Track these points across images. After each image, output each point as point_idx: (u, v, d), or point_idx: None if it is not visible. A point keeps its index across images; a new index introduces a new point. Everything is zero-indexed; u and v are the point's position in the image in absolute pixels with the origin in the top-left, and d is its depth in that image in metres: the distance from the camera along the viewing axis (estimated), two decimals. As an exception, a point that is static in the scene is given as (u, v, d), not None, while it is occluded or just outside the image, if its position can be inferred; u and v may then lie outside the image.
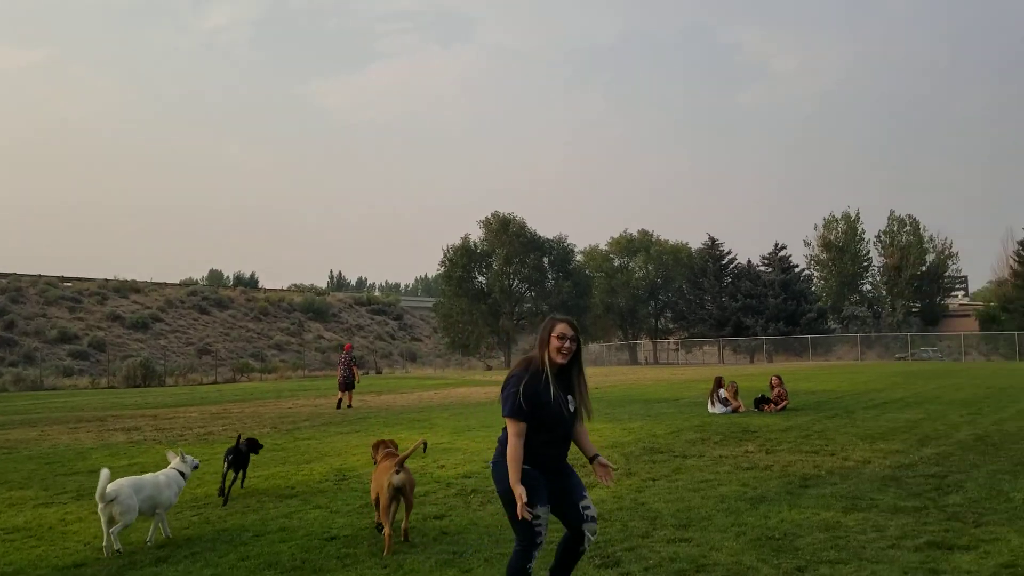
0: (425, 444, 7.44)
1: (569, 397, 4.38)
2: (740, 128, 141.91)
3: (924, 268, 70.07)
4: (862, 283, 74.02)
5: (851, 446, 11.04)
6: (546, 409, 4.27)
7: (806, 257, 75.55)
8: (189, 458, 7.53)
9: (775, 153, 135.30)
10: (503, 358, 71.35)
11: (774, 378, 17.60)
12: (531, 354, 4.45)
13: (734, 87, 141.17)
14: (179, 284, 79.09)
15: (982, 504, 7.28)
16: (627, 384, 29.87)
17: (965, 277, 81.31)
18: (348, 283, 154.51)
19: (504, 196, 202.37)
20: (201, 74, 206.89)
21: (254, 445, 9.01)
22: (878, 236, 72.30)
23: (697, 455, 10.62)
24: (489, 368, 66.01)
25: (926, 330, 66.02)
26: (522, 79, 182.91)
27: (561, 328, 4.34)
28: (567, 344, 4.31)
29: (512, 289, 71.04)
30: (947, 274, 72.75)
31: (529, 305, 72.40)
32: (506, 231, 69.40)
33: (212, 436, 14.96)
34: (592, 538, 4.49)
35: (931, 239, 71.29)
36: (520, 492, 4.11)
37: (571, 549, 4.56)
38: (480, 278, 71.51)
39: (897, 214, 71.90)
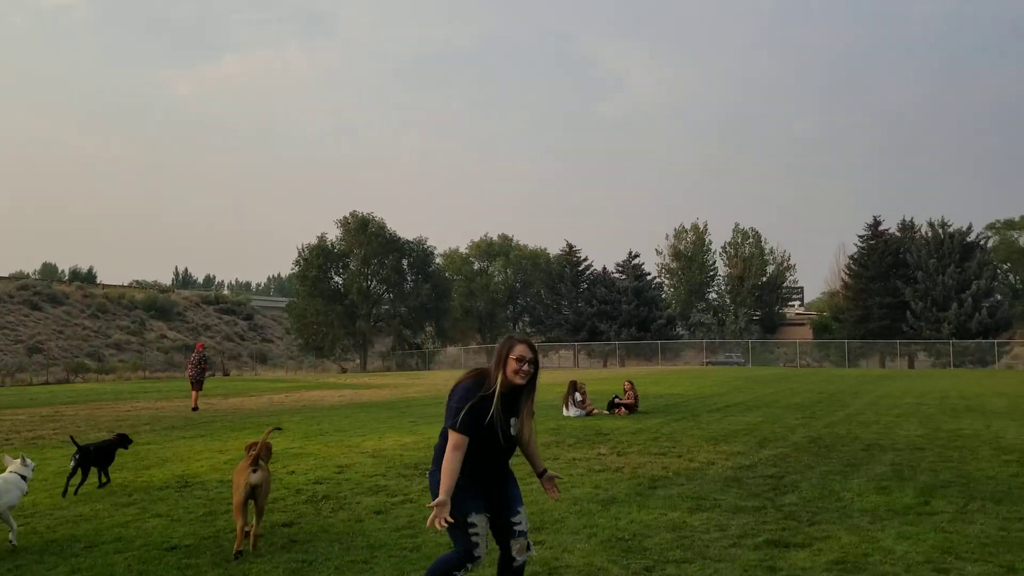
0: (277, 428, 7.25)
1: (513, 420, 4.24)
2: (598, 137, 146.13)
3: (765, 278, 74.13)
4: (708, 291, 77.56)
5: (697, 448, 11.47)
6: (489, 429, 4.15)
7: (657, 265, 78.55)
8: (30, 461, 7.11)
9: (631, 163, 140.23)
10: (359, 360, 70.27)
11: (627, 382, 18.11)
12: (484, 368, 4.29)
13: (593, 96, 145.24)
14: (8, 278, 73.59)
15: (815, 503, 7.69)
16: (483, 387, 29.94)
17: (801, 288, 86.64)
18: (195, 281, 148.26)
19: (363, 196, 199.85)
20: (38, 55, 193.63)
21: (124, 440, 9.21)
22: (724, 247, 76.00)
23: (551, 458, 10.74)
24: (344, 371, 64.85)
25: (766, 337, 69.83)
26: (382, 78, 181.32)
27: (520, 350, 4.18)
28: (525, 367, 4.16)
29: (370, 290, 70.12)
30: (785, 285, 77.30)
31: (387, 307, 71.68)
32: (364, 231, 68.44)
33: (42, 440, 13.94)
34: (520, 558, 4.30)
35: (771, 251, 75.56)
36: (442, 502, 3.98)
37: (506, 566, 4.39)
38: (337, 278, 70.21)
39: (741, 226, 75.83)
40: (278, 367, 69.65)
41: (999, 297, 64.81)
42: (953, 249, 62.62)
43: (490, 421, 4.13)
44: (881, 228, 67.23)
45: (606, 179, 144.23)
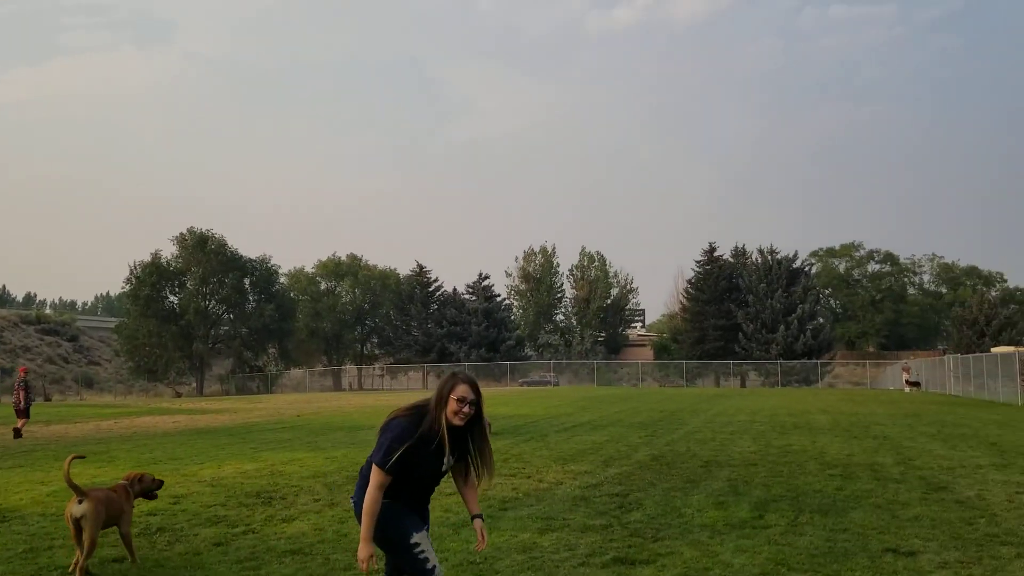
0: (79, 456, 6.86)
1: (447, 458, 4.03)
2: (449, 158, 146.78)
3: (609, 301, 76.54)
4: (556, 313, 79.26)
5: (546, 468, 11.58)
6: (423, 469, 3.98)
7: (507, 287, 79.70)
8: None
9: (482, 185, 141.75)
10: (195, 384, 67.15)
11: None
12: (423, 403, 4.07)
13: (444, 118, 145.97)
14: None
15: (659, 520, 7.90)
16: (330, 411, 29.29)
17: (643, 310, 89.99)
18: (14, 299, 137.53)
19: (203, 212, 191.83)
20: None
21: None
22: (571, 270, 77.96)
23: (400, 482, 10.54)
24: (179, 395, 61.77)
25: (610, 358, 71.96)
26: (224, 90, 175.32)
27: (462, 390, 3.98)
28: (466, 408, 3.96)
29: (208, 311, 67.31)
30: (628, 307, 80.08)
31: (227, 328, 69.02)
32: (203, 249, 65.74)
33: None
34: None
35: (616, 274, 78.21)
36: (368, 553, 3.82)
37: None
38: (172, 298, 67.03)
39: (587, 250, 78.14)
40: (106, 391, 65.56)
41: (821, 320, 69.68)
42: (781, 275, 66.85)
43: (429, 463, 3.96)
44: (716, 254, 70.95)
45: (457, 201, 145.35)
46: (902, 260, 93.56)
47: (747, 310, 66.35)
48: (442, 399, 3.96)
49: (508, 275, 79.77)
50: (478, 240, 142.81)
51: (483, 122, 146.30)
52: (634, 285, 79.65)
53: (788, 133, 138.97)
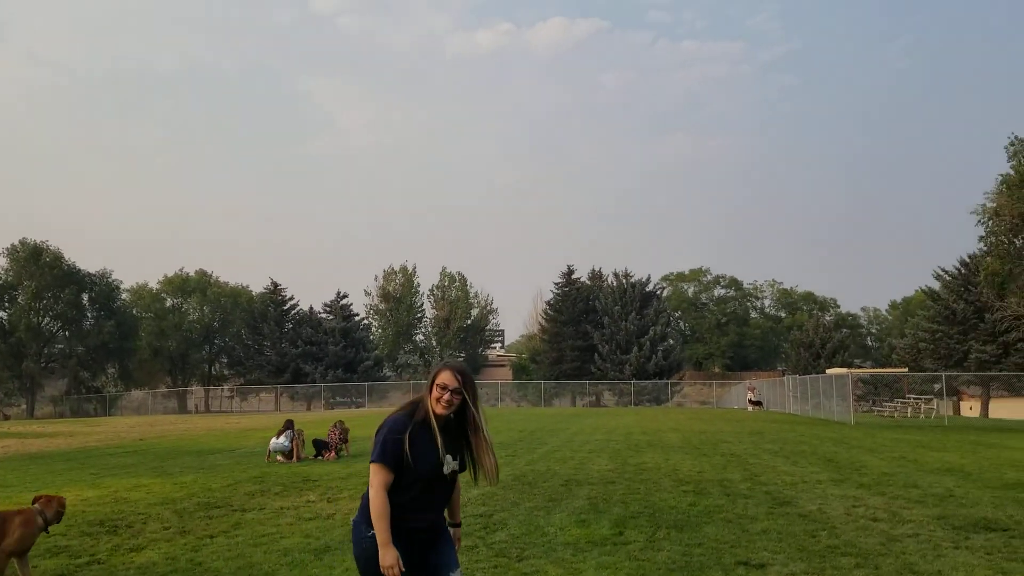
0: None
1: (449, 457, 3.77)
2: (308, 174, 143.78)
3: (469, 321, 76.83)
4: (416, 333, 78.80)
5: (408, 490, 11.43)
6: (423, 462, 3.69)
7: (366, 306, 78.55)
8: None
9: (341, 202, 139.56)
10: (25, 406, 62.53)
11: (339, 424, 17.77)
12: (419, 396, 3.88)
13: (302, 133, 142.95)
14: None
15: (523, 539, 7.95)
16: (177, 434, 27.90)
17: (503, 331, 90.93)
18: None
19: (38, 223, 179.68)
20: None
21: None
22: (431, 290, 77.81)
23: (257, 508, 10.17)
24: (7, 417, 57.29)
25: (467, 378, 72.08)
26: (65, 95, 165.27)
27: (444, 376, 3.77)
28: (447, 396, 3.72)
29: (41, 327, 63.02)
30: (488, 327, 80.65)
31: (61, 346, 64.81)
32: (37, 262, 61.58)
33: None
34: None
35: (476, 295, 78.63)
36: (393, 558, 3.54)
37: None
38: (1, 313, 62.29)
39: (448, 270, 78.23)
40: (-79, 415, 59.93)
41: (672, 342, 72.36)
42: (634, 297, 69.11)
43: (429, 456, 3.69)
44: (574, 276, 72.60)
45: (315, 217, 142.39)
46: (745, 285, 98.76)
47: (603, 331, 68.18)
48: (428, 387, 3.80)
49: (367, 294, 78.83)
50: (337, 258, 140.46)
51: (344, 137, 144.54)
52: (494, 306, 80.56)
53: (642, 160, 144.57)
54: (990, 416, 47.87)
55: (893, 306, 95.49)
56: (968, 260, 54.06)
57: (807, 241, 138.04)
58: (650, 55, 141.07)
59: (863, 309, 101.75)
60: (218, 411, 67.67)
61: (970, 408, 53.77)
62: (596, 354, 67.61)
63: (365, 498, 3.72)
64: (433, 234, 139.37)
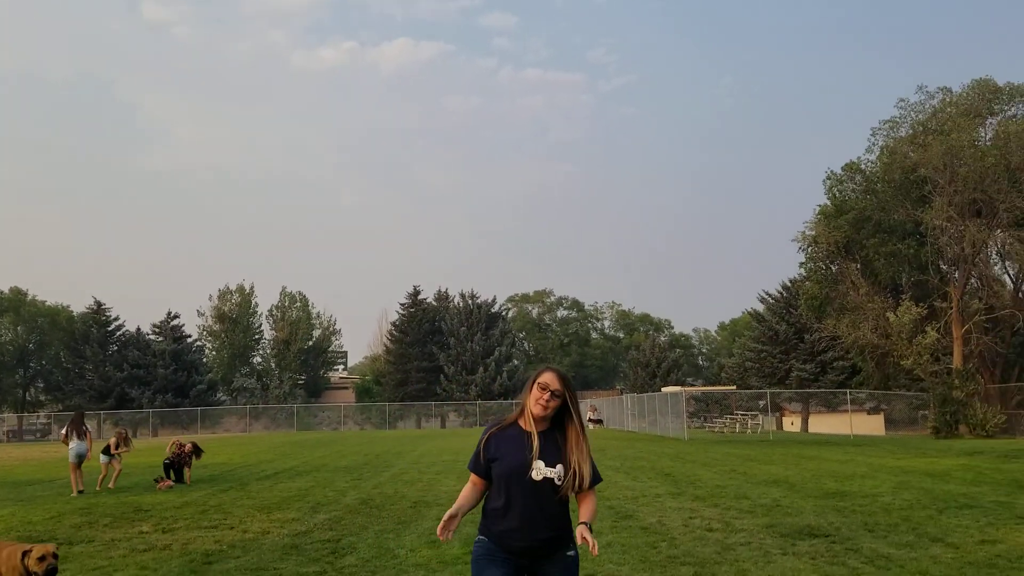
0: None
1: (541, 463, 3.51)
2: (139, 189, 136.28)
3: (311, 342, 74.92)
4: (253, 355, 75.99)
5: (249, 518, 11.03)
6: (506, 463, 3.52)
7: (199, 327, 74.95)
8: None
9: (176, 219, 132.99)
10: None
11: (179, 443, 17.02)
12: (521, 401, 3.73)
13: (133, 146, 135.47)
14: None
15: (373, 563, 7.84)
16: (-13, 465, 25.67)
17: (346, 352, 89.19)
18: None
19: None
20: None
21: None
22: (270, 310, 75.31)
23: (86, 541, 9.51)
24: None
25: (310, 401, 70.27)
26: None
27: (546, 377, 3.60)
28: (547, 396, 3.55)
29: None
30: (330, 349, 78.91)
31: None
32: None
33: None
34: None
35: (318, 315, 76.80)
36: (450, 514, 3.55)
37: None
38: None
39: (289, 290, 76.03)
40: None
41: (516, 362, 73.38)
42: (481, 318, 69.71)
43: (515, 457, 3.51)
44: (420, 297, 72.40)
45: (145, 234, 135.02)
46: (587, 307, 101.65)
47: (449, 352, 68.29)
48: (528, 388, 3.66)
49: (201, 315, 75.27)
50: (169, 277, 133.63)
51: (179, 151, 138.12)
52: (337, 327, 78.96)
53: (488, 183, 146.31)
54: (810, 430, 51.33)
55: (722, 327, 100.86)
56: (790, 284, 57.94)
57: (645, 265, 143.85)
58: (495, 81, 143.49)
59: (695, 330, 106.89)
60: (32, 440, 62.68)
61: (792, 423, 57.48)
62: (442, 375, 67.61)
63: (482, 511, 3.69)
64: (273, 253, 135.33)
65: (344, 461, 21.82)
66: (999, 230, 36.38)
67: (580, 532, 3.47)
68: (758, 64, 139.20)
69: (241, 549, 8.72)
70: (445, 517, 3.54)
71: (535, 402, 3.56)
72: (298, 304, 75.68)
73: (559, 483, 3.48)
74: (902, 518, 10.07)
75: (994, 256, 39.43)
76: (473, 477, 3.65)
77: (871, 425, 46.90)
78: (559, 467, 3.49)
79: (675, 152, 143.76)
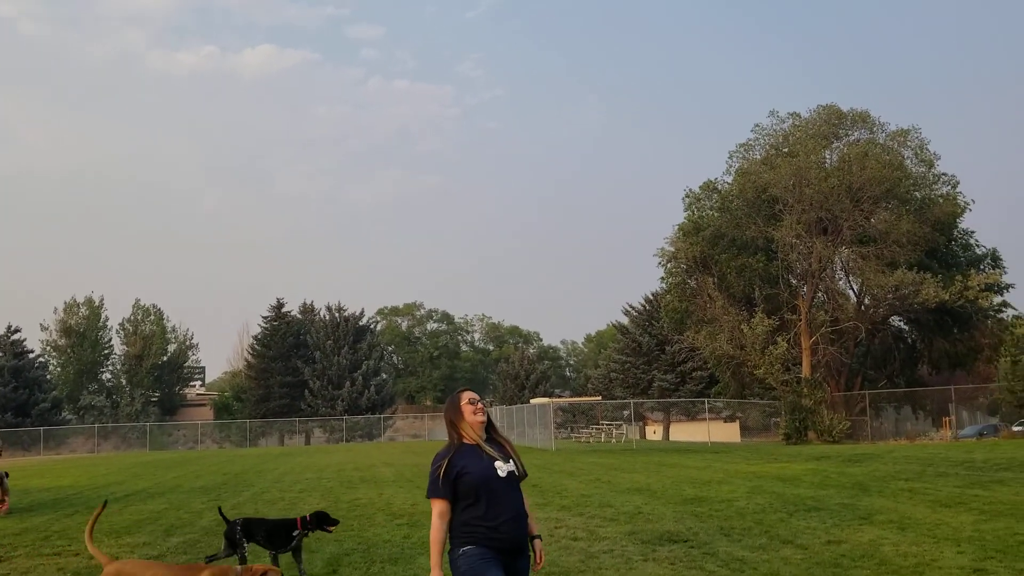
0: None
1: (498, 463, 3.96)
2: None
3: (166, 357, 71.56)
4: (102, 371, 71.84)
5: (96, 544, 10.33)
6: (475, 474, 3.89)
7: (43, 342, 70.16)
8: None
9: (18, 226, 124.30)
10: None
11: None
12: (449, 434, 4.11)
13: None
14: None
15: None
16: None
17: (203, 368, 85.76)
18: None
19: None
20: None
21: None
22: (122, 324, 71.46)
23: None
24: None
25: (164, 419, 67.07)
26: None
27: (467, 395, 4.13)
28: (479, 405, 4.08)
29: None
30: (187, 364, 75.60)
31: None
32: None
33: None
34: None
35: (174, 329, 73.42)
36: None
37: None
38: None
39: (142, 303, 72.38)
40: None
41: (385, 376, 72.51)
42: (348, 332, 68.48)
43: (479, 466, 3.91)
44: (284, 309, 70.46)
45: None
46: (457, 320, 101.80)
47: (314, 367, 66.72)
48: (455, 416, 4.05)
49: (44, 328, 70.49)
50: (9, 289, 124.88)
51: (26, 154, 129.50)
52: (194, 341, 75.55)
53: (356, 193, 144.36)
54: (671, 439, 53.02)
55: (588, 339, 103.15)
56: (652, 298, 59.83)
57: (513, 278, 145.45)
58: (362, 90, 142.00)
59: (562, 342, 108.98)
60: None
61: (654, 432, 59.25)
62: (307, 390, 65.96)
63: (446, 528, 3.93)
64: (125, 264, 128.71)
65: (201, 481, 20.90)
66: (843, 247, 38.75)
67: (537, 546, 4.09)
68: (624, 83, 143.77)
69: (84, 578, 8.17)
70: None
71: (472, 415, 4.02)
72: (152, 317, 72.07)
73: (518, 474, 4.00)
74: (755, 521, 10.50)
75: (839, 271, 41.96)
76: (440, 506, 3.88)
77: (727, 432, 48.94)
78: (511, 461, 4.00)
79: (541, 166, 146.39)
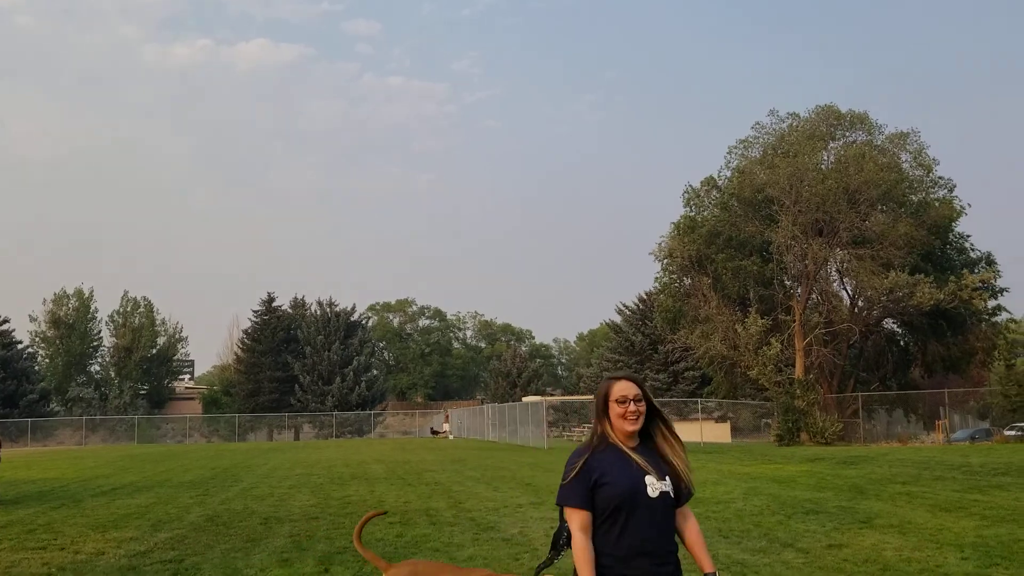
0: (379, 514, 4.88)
1: (649, 479, 3.05)
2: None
3: (155, 350, 71.12)
4: (91, 363, 71.38)
5: (83, 538, 10.14)
6: (618, 487, 2.99)
7: (31, 333, 69.65)
8: None
9: (10, 216, 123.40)
10: None
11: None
12: (593, 430, 3.20)
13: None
14: None
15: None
16: None
17: (193, 361, 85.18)
18: None
19: None
20: None
21: None
22: (111, 315, 71.03)
23: None
24: None
25: (153, 413, 66.67)
26: None
27: (620, 388, 3.13)
28: (631, 407, 3.09)
29: None
30: (176, 357, 75.13)
31: None
32: None
33: None
34: None
35: (164, 322, 72.95)
36: None
37: None
38: None
39: (131, 295, 71.89)
40: None
41: (376, 372, 72.21)
42: (339, 327, 68.15)
43: (625, 480, 3.01)
44: (275, 304, 70.11)
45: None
46: (449, 316, 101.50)
47: (304, 361, 66.37)
48: (601, 409, 3.18)
49: (33, 319, 69.96)
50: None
51: (16, 144, 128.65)
52: (184, 334, 75.09)
53: (351, 189, 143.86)
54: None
55: (581, 338, 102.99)
56: (646, 297, 59.76)
57: (507, 275, 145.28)
58: (357, 86, 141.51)
59: (555, 340, 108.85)
60: None
61: (644, 431, 59.02)
62: (297, 385, 65.62)
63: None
64: (116, 256, 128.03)
65: (189, 475, 20.66)
66: (839, 248, 38.67)
67: None
68: (621, 81, 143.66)
69: (73, 572, 7.96)
70: None
71: (622, 419, 3.11)
72: (141, 310, 71.63)
73: (674, 497, 3.12)
74: (754, 524, 10.34)
75: (833, 273, 41.88)
76: (580, 518, 3.01)
77: (718, 433, 48.81)
78: (668, 479, 3.11)
79: (537, 165, 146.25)
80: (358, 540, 4.65)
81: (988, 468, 16.62)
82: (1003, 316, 41.79)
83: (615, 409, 3.11)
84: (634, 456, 3.08)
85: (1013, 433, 31.56)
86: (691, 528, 3.21)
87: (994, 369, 34.85)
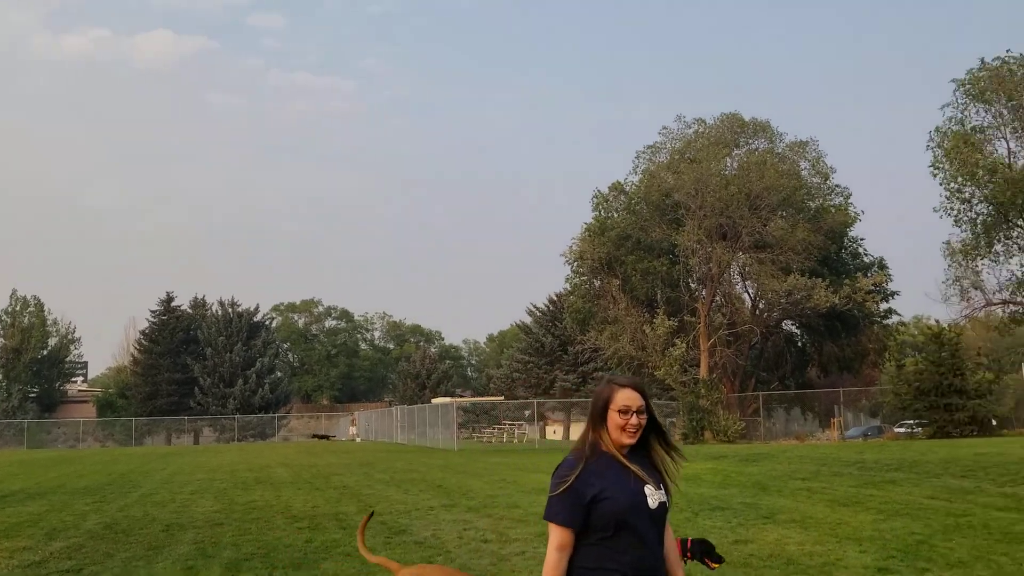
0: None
1: (648, 488, 2.85)
2: None
3: (46, 351, 68.02)
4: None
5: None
6: (616, 503, 2.78)
7: (-91, 334, 65.59)
8: None
9: None
10: None
11: None
12: (585, 435, 2.94)
13: None
14: None
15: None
16: None
17: (86, 363, 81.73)
18: None
19: None
20: None
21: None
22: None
23: None
24: None
25: (43, 416, 63.71)
26: None
27: (624, 397, 2.86)
28: (633, 420, 2.85)
29: None
30: (69, 359, 72.01)
31: None
32: None
33: None
34: None
35: (55, 322, 69.83)
36: None
37: None
38: None
39: (21, 294, 68.53)
40: None
41: (280, 374, 70.65)
42: (241, 328, 66.44)
43: (617, 493, 2.79)
44: (174, 304, 67.89)
45: None
46: (356, 317, 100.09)
47: (205, 363, 64.46)
48: (598, 416, 2.91)
49: (-90, 319, 65.91)
50: None
51: None
52: (77, 335, 71.93)
53: (254, 187, 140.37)
54: (571, 438, 53.52)
55: (491, 339, 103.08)
56: (556, 298, 60.27)
57: (416, 276, 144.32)
58: (263, 82, 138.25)
59: (465, 341, 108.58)
60: None
61: (554, 432, 59.69)
62: (197, 388, 63.65)
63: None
64: (3, 252, 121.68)
65: (84, 481, 19.77)
66: (741, 252, 39.86)
67: None
68: (531, 82, 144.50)
69: (-48, 589, 7.49)
70: None
71: (621, 431, 2.89)
72: (31, 309, 68.31)
73: (666, 507, 2.93)
74: (664, 521, 10.50)
75: (736, 276, 43.14)
76: (561, 536, 2.81)
77: (626, 433, 49.78)
78: (661, 488, 2.92)
79: (446, 164, 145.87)
80: (363, 547, 4.60)
81: (881, 464, 17.34)
82: (894, 319, 43.87)
83: (615, 419, 2.89)
84: (631, 466, 2.88)
85: (903, 430, 33.03)
86: (668, 539, 3.04)
87: (885, 369, 36.56)
